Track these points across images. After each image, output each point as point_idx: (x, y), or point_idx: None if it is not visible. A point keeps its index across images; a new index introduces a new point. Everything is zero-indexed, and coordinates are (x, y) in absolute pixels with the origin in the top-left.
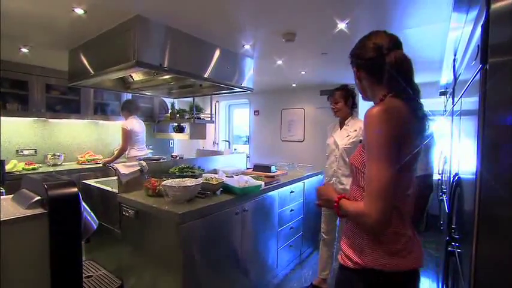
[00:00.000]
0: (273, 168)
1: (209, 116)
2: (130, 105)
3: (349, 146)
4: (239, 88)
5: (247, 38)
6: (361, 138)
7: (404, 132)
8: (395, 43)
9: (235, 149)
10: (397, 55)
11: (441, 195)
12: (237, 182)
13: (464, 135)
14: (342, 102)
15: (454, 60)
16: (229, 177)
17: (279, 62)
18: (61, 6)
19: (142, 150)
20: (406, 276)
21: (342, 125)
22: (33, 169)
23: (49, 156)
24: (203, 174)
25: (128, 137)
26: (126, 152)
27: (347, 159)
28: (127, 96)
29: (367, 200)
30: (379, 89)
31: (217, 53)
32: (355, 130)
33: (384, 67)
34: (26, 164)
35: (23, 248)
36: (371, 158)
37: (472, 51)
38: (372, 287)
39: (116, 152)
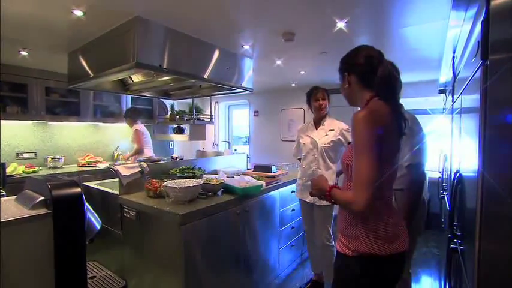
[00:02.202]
0: (273, 169)
1: (209, 117)
2: (134, 113)
3: (328, 145)
4: (238, 88)
5: (247, 38)
6: (339, 137)
7: (386, 131)
8: (382, 56)
9: (235, 150)
10: (389, 65)
11: (442, 193)
12: (237, 183)
13: (465, 132)
14: (327, 100)
15: (453, 58)
16: (230, 177)
17: (278, 62)
18: (60, 8)
19: (151, 150)
20: (395, 258)
21: (317, 125)
22: (34, 172)
23: (49, 159)
24: (204, 175)
25: (143, 137)
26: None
27: (326, 158)
28: (126, 98)
29: (355, 190)
30: (366, 93)
31: (216, 54)
32: (333, 129)
33: (375, 74)
34: (26, 167)
35: (27, 248)
36: (357, 154)
37: (471, 48)
38: (367, 270)
39: (131, 152)
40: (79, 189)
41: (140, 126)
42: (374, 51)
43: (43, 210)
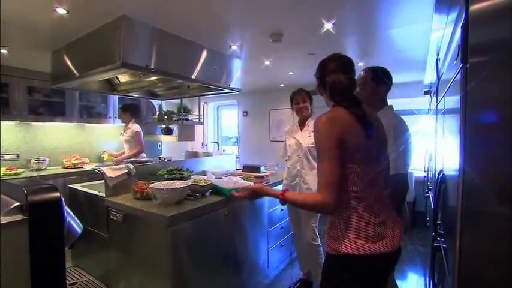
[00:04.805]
0: (262, 169)
1: (197, 117)
2: (133, 110)
3: (312, 145)
4: (227, 89)
5: (235, 39)
6: None
7: (347, 134)
8: (339, 66)
9: (224, 150)
10: (333, 78)
11: (427, 192)
12: (225, 183)
13: (448, 133)
14: (308, 102)
15: (437, 60)
16: (218, 178)
17: (267, 63)
18: (42, 6)
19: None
20: (379, 258)
21: (301, 126)
22: (16, 174)
23: (32, 161)
24: (192, 176)
25: (142, 138)
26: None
27: (311, 159)
28: (113, 98)
29: (321, 192)
30: (330, 100)
31: (204, 54)
32: None
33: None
34: (7, 169)
35: (1, 256)
36: (319, 157)
37: (453, 51)
38: (347, 270)
39: (130, 153)
40: (58, 194)
41: (138, 127)
42: (332, 62)
43: (18, 217)
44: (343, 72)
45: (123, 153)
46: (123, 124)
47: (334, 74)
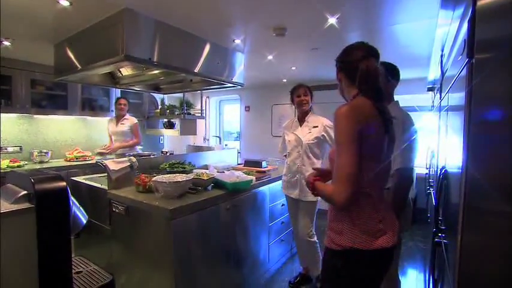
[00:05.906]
0: (263, 164)
1: (199, 111)
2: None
3: (312, 141)
4: (229, 83)
5: (238, 33)
6: (323, 133)
7: (368, 127)
8: (371, 53)
9: (226, 145)
10: (368, 63)
11: (429, 189)
12: (228, 178)
13: (451, 130)
14: (309, 96)
15: (442, 56)
16: (220, 172)
17: (270, 57)
18: None
19: None
20: (380, 254)
21: (301, 121)
22: (19, 166)
23: (35, 154)
24: (194, 170)
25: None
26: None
27: (311, 155)
28: (116, 91)
29: (336, 184)
30: (352, 89)
31: (207, 48)
32: (316, 126)
33: (357, 71)
34: (10, 161)
35: (8, 244)
36: (338, 149)
37: (458, 46)
38: (350, 264)
39: (131, 142)
40: (64, 183)
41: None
42: (362, 48)
43: (26, 205)
44: (376, 60)
45: (109, 146)
46: (113, 116)
47: (367, 61)
